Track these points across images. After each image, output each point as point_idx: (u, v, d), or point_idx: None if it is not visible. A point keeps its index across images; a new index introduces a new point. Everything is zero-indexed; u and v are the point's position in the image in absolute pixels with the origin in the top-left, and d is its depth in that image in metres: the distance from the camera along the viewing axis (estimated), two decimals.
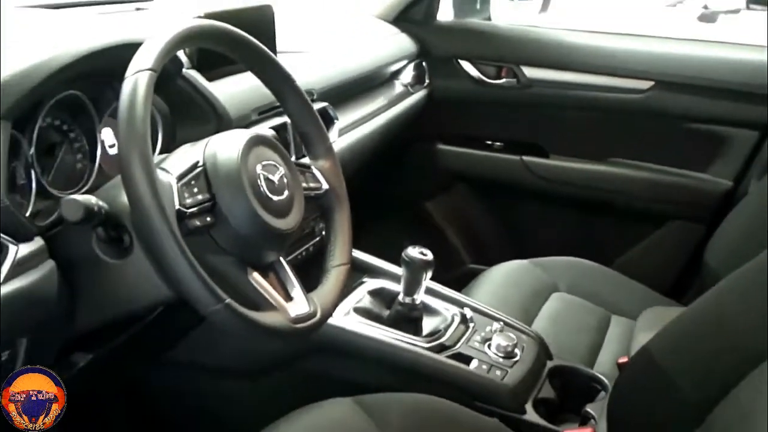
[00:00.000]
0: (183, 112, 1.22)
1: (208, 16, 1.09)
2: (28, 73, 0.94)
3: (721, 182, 2.07)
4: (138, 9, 1.56)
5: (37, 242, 0.94)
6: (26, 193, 1.02)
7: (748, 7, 5.32)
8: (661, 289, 1.98)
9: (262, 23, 1.38)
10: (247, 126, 1.28)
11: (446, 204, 2.34)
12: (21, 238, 0.92)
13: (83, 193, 0.93)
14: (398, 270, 1.50)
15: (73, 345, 1.09)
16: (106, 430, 1.55)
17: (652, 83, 2.07)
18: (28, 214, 1.00)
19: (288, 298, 1.01)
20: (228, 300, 0.88)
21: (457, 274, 2.14)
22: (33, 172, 1.03)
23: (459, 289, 1.61)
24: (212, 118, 1.23)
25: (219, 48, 1.07)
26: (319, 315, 1.03)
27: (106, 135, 1.15)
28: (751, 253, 1.71)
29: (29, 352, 0.95)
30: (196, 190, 0.93)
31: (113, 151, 1.16)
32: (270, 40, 1.38)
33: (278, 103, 1.24)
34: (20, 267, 0.90)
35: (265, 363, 1.44)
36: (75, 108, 1.10)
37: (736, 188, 2.05)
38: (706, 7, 4.89)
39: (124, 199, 0.91)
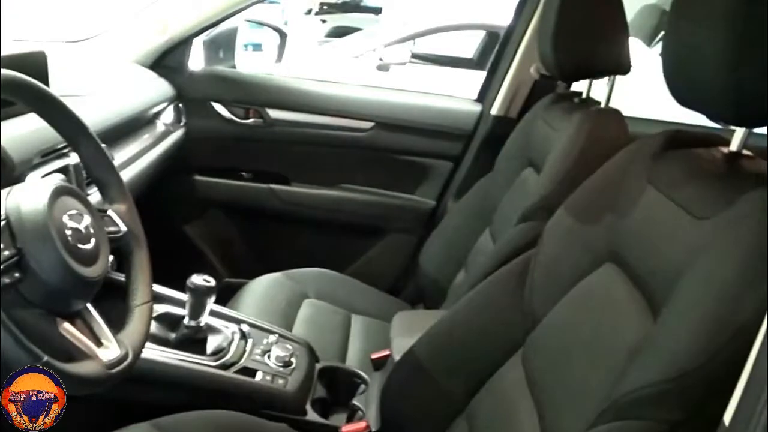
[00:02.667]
0: None
1: None
2: None
3: (426, 202, 2.16)
4: None
5: None
6: None
7: (410, 61, 5.77)
8: (385, 288, 2.03)
9: (36, 68, 1.16)
10: (30, 169, 1.07)
11: (203, 228, 2.19)
12: None
13: None
14: (175, 293, 1.35)
15: None
16: None
17: (373, 124, 2.10)
18: None
19: (99, 343, 0.85)
20: (46, 358, 0.71)
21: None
22: None
23: (221, 302, 1.49)
24: None
25: (13, 97, 0.87)
26: (131, 356, 0.88)
27: None
28: (453, 257, 1.83)
29: None
30: (1, 246, 0.74)
31: None
32: (44, 84, 1.17)
33: (60, 146, 1.04)
34: None
35: None
36: None
37: (438, 207, 2.15)
38: (381, 59, 5.17)
39: None
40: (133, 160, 1.59)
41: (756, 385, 0.49)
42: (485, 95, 2.12)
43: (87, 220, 0.85)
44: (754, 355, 0.50)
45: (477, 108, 2.11)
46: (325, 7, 9.92)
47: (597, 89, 1.61)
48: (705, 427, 0.58)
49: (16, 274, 0.74)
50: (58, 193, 0.82)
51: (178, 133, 1.96)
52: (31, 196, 0.79)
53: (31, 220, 0.77)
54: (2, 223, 0.75)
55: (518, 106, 2.03)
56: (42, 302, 0.78)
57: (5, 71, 0.84)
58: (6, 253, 0.73)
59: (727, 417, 0.51)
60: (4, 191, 0.80)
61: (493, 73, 2.11)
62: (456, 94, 2.26)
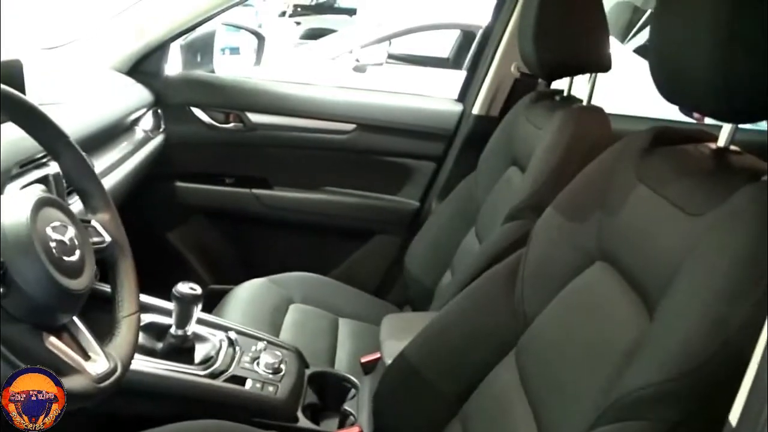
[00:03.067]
0: None
1: None
2: None
3: (411, 203, 2.15)
4: None
5: None
6: None
7: (386, 62, 5.76)
8: (371, 291, 2.01)
9: (12, 76, 1.13)
10: (8, 180, 1.04)
11: (186, 234, 2.15)
12: None
13: None
14: (160, 302, 1.33)
15: None
16: None
17: (354, 126, 2.08)
18: None
19: (86, 357, 0.82)
20: None
21: None
22: None
23: (206, 309, 1.47)
24: None
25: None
26: (120, 369, 0.85)
27: None
28: (439, 258, 1.82)
29: None
30: None
31: None
32: (21, 93, 1.14)
33: (38, 155, 1.02)
34: None
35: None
36: None
37: (422, 207, 2.14)
38: (357, 60, 5.15)
39: None
40: (112, 168, 1.56)
41: (762, 383, 0.48)
42: (466, 95, 2.12)
43: (71, 231, 0.83)
44: (760, 352, 0.49)
45: (458, 108, 2.10)
46: (299, 9, 9.87)
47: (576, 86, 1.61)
48: (706, 426, 0.58)
49: (0, 289, 0.72)
50: (41, 204, 0.80)
51: (157, 140, 1.93)
52: (12, 208, 0.77)
53: (14, 233, 0.75)
54: None
55: (499, 104, 2.03)
56: (27, 317, 0.76)
57: None
58: None
59: (734, 416, 0.50)
60: None
61: (473, 73, 2.11)
62: (432, 92, 2.25)
